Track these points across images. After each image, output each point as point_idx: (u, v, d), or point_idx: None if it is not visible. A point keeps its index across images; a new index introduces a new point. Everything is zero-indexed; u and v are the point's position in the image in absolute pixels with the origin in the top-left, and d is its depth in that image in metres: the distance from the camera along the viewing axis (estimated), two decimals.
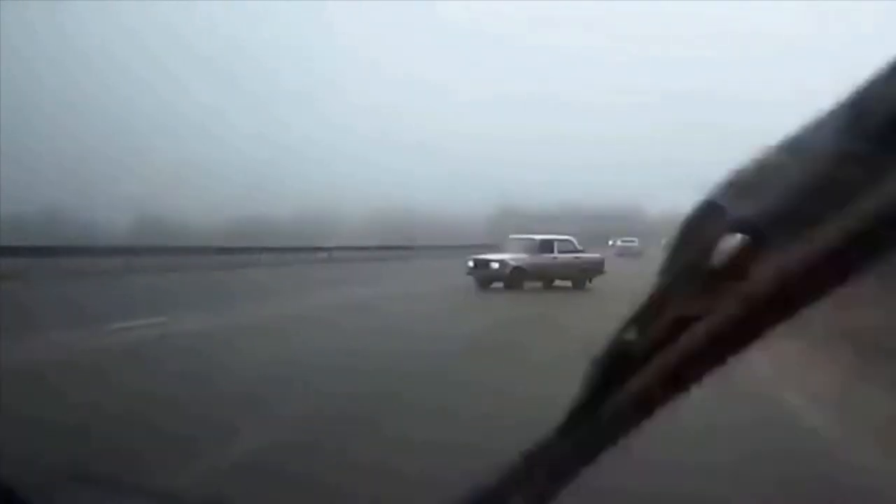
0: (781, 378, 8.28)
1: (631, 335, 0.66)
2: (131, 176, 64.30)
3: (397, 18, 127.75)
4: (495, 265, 22.77)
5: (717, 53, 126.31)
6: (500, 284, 22.39)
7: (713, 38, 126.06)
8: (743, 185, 0.59)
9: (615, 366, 0.67)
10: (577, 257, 23.90)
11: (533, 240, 24.11)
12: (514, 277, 22.37)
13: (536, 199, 73.93)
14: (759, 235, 0.56)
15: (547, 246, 23.64)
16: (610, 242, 49.99)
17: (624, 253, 46.70)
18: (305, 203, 69.05)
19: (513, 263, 22.66)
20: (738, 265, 0.57)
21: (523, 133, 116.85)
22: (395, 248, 47.77)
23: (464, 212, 71.45)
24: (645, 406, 0.67)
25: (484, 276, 22.67)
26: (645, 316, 0.65)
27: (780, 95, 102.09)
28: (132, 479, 3.98)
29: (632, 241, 51.93)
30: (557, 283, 23.18)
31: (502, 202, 76.59)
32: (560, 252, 23.57)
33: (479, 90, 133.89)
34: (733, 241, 0.57)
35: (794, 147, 0.57)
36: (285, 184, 75.25)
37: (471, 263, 23.05)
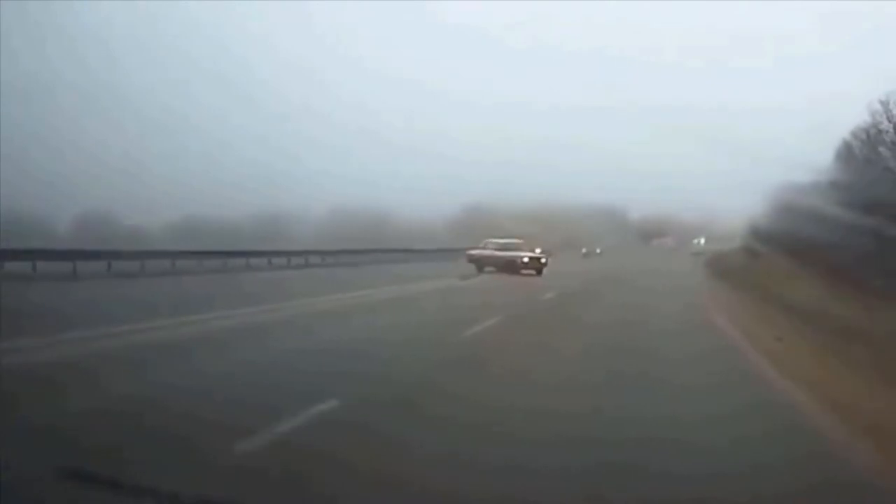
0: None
1: None
2: (80, 172, 63.38)
3: (380, 14, 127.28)
4: (521, 260, 35.24)
5: (703, 61, 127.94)
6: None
7: (700, 46, 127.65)
8: None
9: None
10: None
11: (520, 242, 37.38)
12: (539, 266, 35.04)
13: (504, 200, 74.20)
14: None
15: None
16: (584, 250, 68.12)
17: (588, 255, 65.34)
18: (258, 202, 68.47)
19: (538, 256, 35.86)
20: None
21: (496, 134, 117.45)
22: (370, 252, 46.54)
23: (428, 211, 71.40)
24: None
25: (515, 265, 34.47)
26: None
27: (765, 104, 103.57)
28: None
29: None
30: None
31: (467, 201, 76.80)
32: None
33: (457, 89, 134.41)
34: None
35: None
36: (240, 181, 74.65)
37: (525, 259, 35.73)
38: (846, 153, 24.75)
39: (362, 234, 59.08)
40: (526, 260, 35.24)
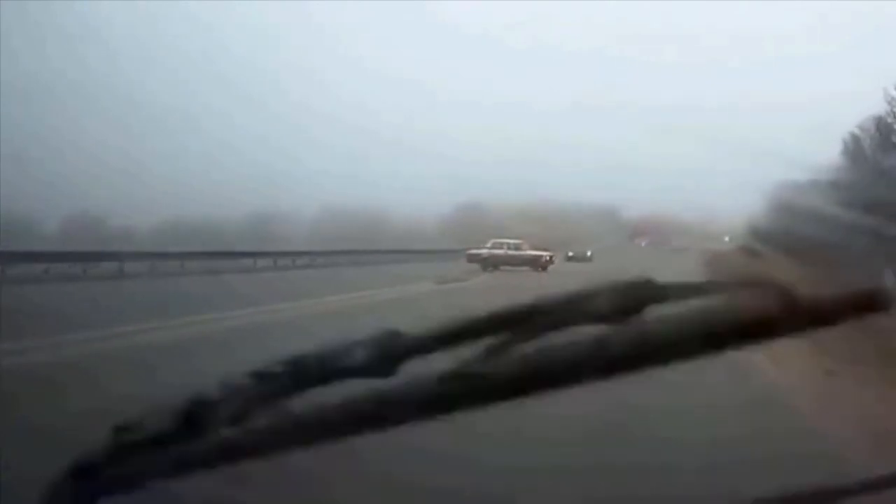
0: None
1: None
2: (72, 172, 63.41)
3: (379, 14, 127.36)
4: (546, 258, 42.07)
5: (698, 59, 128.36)
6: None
7: (694, 44, 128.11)
8: None
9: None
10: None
11: (522, 242, 43.46)
12: (547, 264, 41.52)
13: (500, 200, 74.44)
14: None
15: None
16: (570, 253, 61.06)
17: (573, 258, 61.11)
18: (253, 201, 68.47)
19: (551, 255, 43.23)
20: None
21: (493, 133, 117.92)
22: (359, 253, 46.38)
23: (422, 210, 71.59)
24: None
25: (532, 263, 40.74)
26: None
27: (759, 103, 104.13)
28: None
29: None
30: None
31: (461, 201, 77.07)
32: None
33: (456, 89, 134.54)
34: None
35: None
36: (228, 181, 74.62)
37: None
38: (854, 146, 24.84)
39: (356, 233, 59.25)
40: (548, 258, 42.52)
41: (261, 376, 1.08)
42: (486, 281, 31.96)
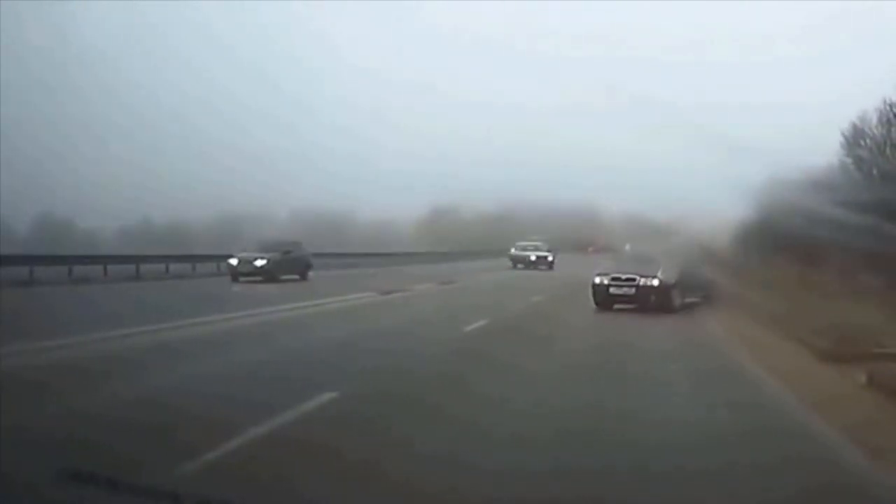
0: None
1: None
2: (40, 173, 62.75)
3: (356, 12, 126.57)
4: (549, 258, 47.73)
5: (681, 57, 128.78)
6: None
7: (678, 42, 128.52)
8: None
9: None
10: None
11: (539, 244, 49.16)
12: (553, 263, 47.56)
13: (475, 200, 74.27)
14: None
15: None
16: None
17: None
18: (215, 204, 67.92)
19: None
20: None
21: (469, 133, 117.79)
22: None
23: (395, 211, 71.33)
24: None
25: (546, 263, 47.26)
26: None
27: (746, 100, 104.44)
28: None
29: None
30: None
31: (435, 202, 76.84)
32: None
33: (436, 88, 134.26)
34: None
35: None
36: (195, 183, 74.17)
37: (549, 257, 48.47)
38: (854, 137, 24.94)
39: (327, 235, 58.89)
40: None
41: None
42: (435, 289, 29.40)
